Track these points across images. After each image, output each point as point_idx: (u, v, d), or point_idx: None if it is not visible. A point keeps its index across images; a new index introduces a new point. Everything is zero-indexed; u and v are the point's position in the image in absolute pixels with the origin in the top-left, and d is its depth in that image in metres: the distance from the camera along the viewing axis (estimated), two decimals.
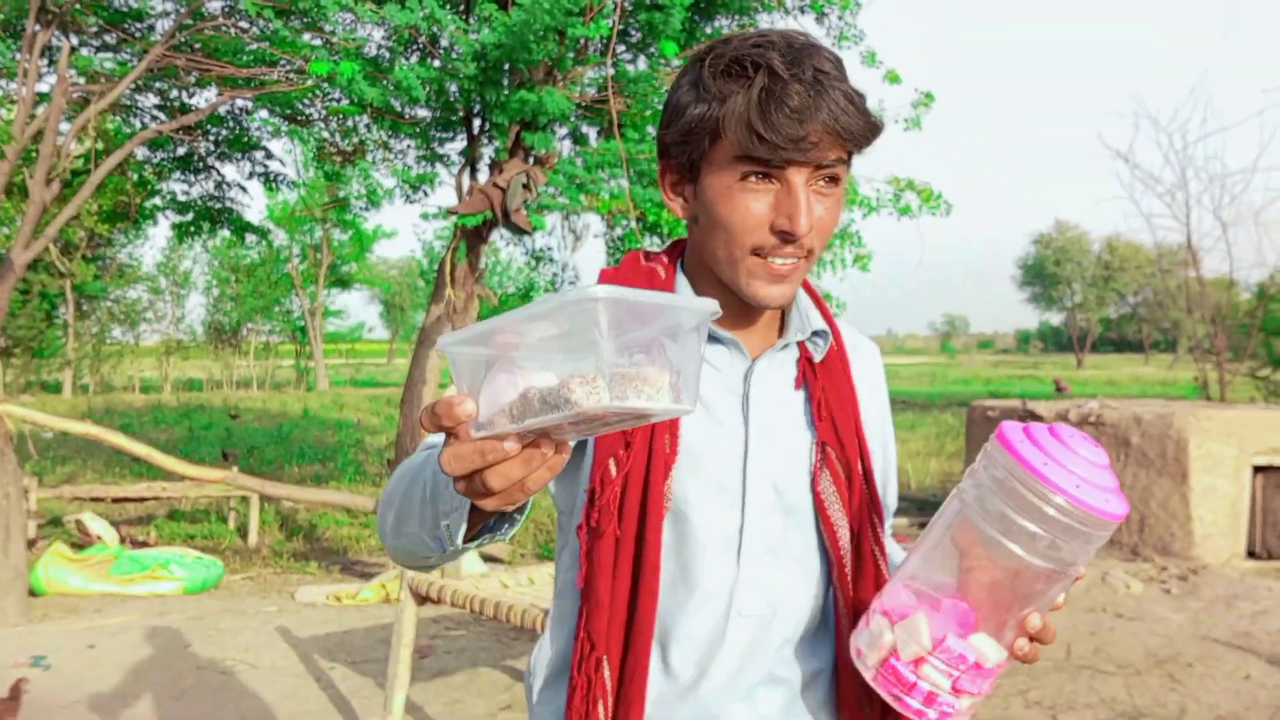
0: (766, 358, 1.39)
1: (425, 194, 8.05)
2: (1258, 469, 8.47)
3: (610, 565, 1.31)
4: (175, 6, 7.88)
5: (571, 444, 0.88)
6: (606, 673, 1.30)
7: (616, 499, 1.31)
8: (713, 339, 1.37)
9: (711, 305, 0.87)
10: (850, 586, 1.37)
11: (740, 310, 1.37)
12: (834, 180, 1.27)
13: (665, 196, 1.38)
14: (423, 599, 4.47)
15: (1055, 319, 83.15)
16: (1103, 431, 8.63)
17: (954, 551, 1.11)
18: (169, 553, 7.95)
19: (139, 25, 8.30)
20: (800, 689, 1.39)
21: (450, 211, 7.04)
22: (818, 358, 1.42)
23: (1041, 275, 73.29)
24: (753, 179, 1.25)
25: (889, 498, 1.55)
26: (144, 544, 8.80)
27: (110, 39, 8.30)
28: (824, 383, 1.40)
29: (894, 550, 1.54)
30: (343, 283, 42.92)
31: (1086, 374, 48.37)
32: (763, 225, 1.26)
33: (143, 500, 10.59)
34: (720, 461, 1.35)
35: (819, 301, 1.49)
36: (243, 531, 9.82)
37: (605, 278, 1.40)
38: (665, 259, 1.44)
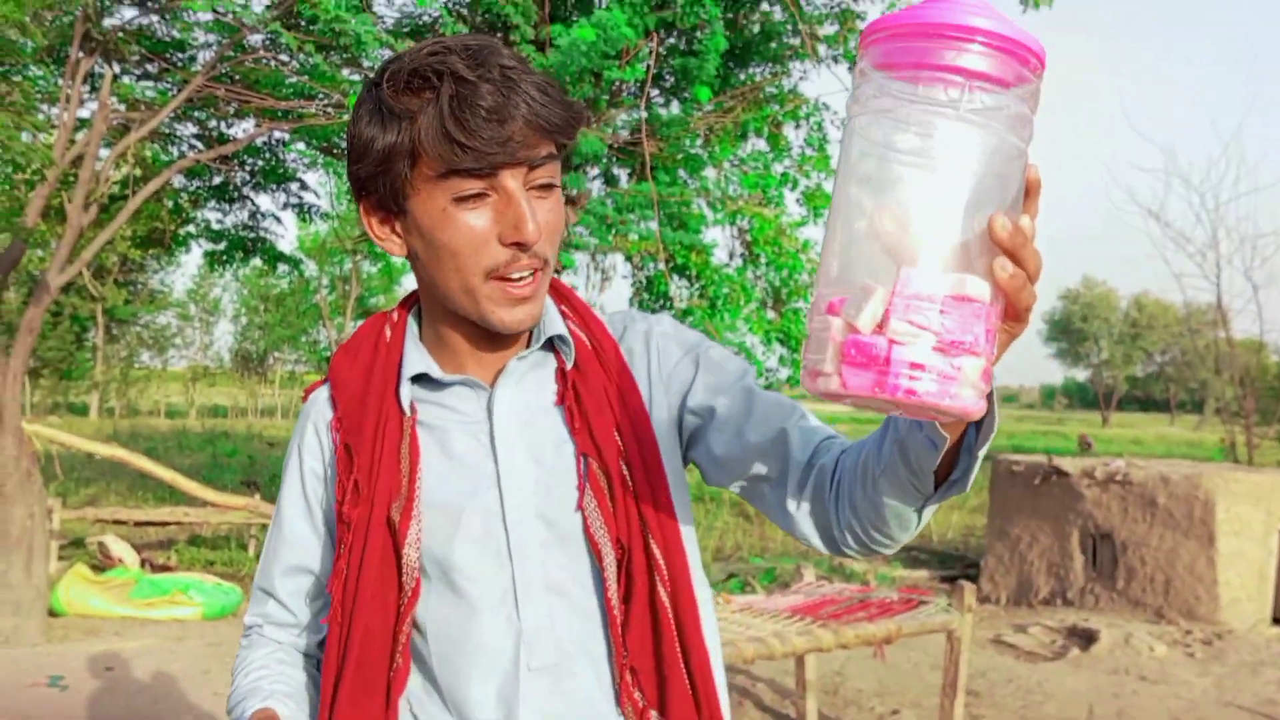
0: (508, 381, 1.27)
1: None
2: None
3: (337, 659, 1.24)
4: (217, 38, 8.01)
5: None
6: None
7: (342, 585, 1.24)
8: (444, 385, 1.28)
9: None
10: (615, 610, 1.23)
11: (480, 343, 1.27)
12: (548, 183, 1.18)
13: (374, 238, 1.25)
14: None
15: (1081, 375, 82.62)
16: (1130, 491, 8.55)
17: (868, 226, 0.83)
18: (189, 578, 7.97)
19: (180, 55, 8.45)
20: None
21: None
22: (569, 364, 1.29)
23: (1068, 331, 72.94)
24: (467, 196, 1.14)
25: (797, 433, 1.23)
26: (165, 568, 8.83)
27: (152, 68, 8.44)
28: (579, 389, 1.27)
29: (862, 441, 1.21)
30: (370, 314, 43.22)
31: (1112, 432, 47.97)
32: (489, 241, 1.16)
33: (164, 525, 10.63)
34: (478, 511, 1.24)
35: (573, 301, 1.37)
36: None
37: (338, 352, 1.36)
38: (397, 312, 1.36)
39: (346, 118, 7.72)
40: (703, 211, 7.73)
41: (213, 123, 9.10)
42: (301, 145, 8.96)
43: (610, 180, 8.01)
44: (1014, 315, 0.86)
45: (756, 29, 7.69)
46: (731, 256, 8.25)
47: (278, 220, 10.32)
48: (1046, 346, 75.46)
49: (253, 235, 10.03)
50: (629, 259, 8.10)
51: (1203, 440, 35.73)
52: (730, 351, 1.37)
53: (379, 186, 1.19)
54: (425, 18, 7.79)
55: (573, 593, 1.25)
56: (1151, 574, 8.28)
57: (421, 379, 1.28)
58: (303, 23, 6.98)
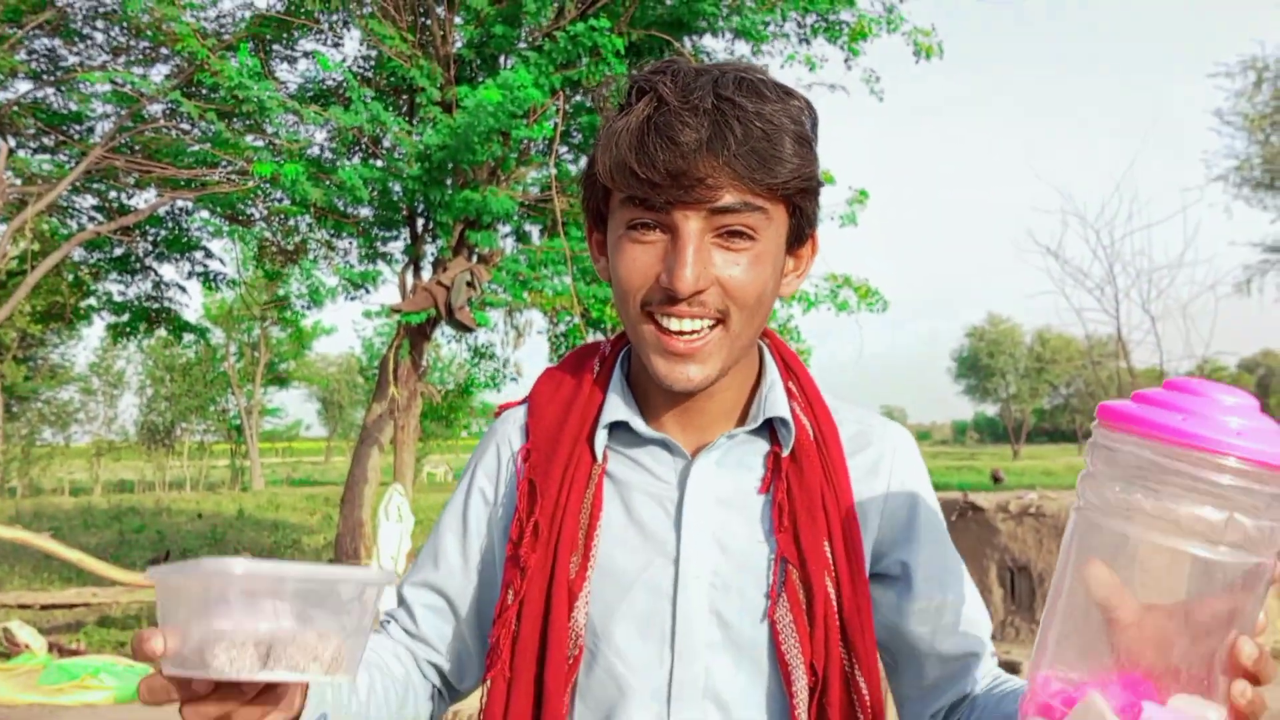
0: (711, 455, 1.13)
1: (367, 291, 8.06)
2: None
3: (500, 715, 1.09)
4: (115, 109, 7.90)
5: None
6: None
7: (510, 635, 1.10)
8: (644, 439, 1.15)
9: (386, 577, 0.81)
10: None
11: (679, 397, 1.13)
12: (745, 234, 1.03)
13: (595, 261, 1.18)
14: None
15: (990, 410, 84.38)
16: (1043, 522, 8.72)
17: (1094, 607, 0.79)
18: (99, 661, 7.68)
19: (78, 127, 8.31)
20: None
21: (394, 309, 7.05)
22: (785, 450, 1.13)
23: (976, 367, 74.47)
24: (640, 226, 1.04)
25: (965, 629, 1.18)
26: (74, 652, 8.52)
27: (49, 140, 8.30)
28: (791, 482, 1.12)
29: (1009, 680, 1.19)
30: (280, 381, 42.47)
31: (1023, 464, 48.94)
32: (648, 279, 1.04)
33: (72, 607, 10.28)
34: (647, 588, 1.10)
35: (803, 379, 1.21)
36: None
37: (544, 375, 1.24)
38: (608, 349, 1.24)
39: (251, 184, 7.69)
40: None
41: (112, 194, 8.96)
42: (205, 213, 8.84)
43: (522, 237, 8.04)
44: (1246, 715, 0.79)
45: None
46: None
47: (182, 290, 10.17)
48: (956, 384, 76.99)
49: (157, 306, 9.85)
50: (545, 314, 8.11)
51: None
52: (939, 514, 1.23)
53: (589, 203, 1.13)
54: (329, 81, 7.78)
55: (731, 707, 1.10)
56: None
57: (620, 427, 1.15)
58: (204, 91, 6.93)
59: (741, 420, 1.16)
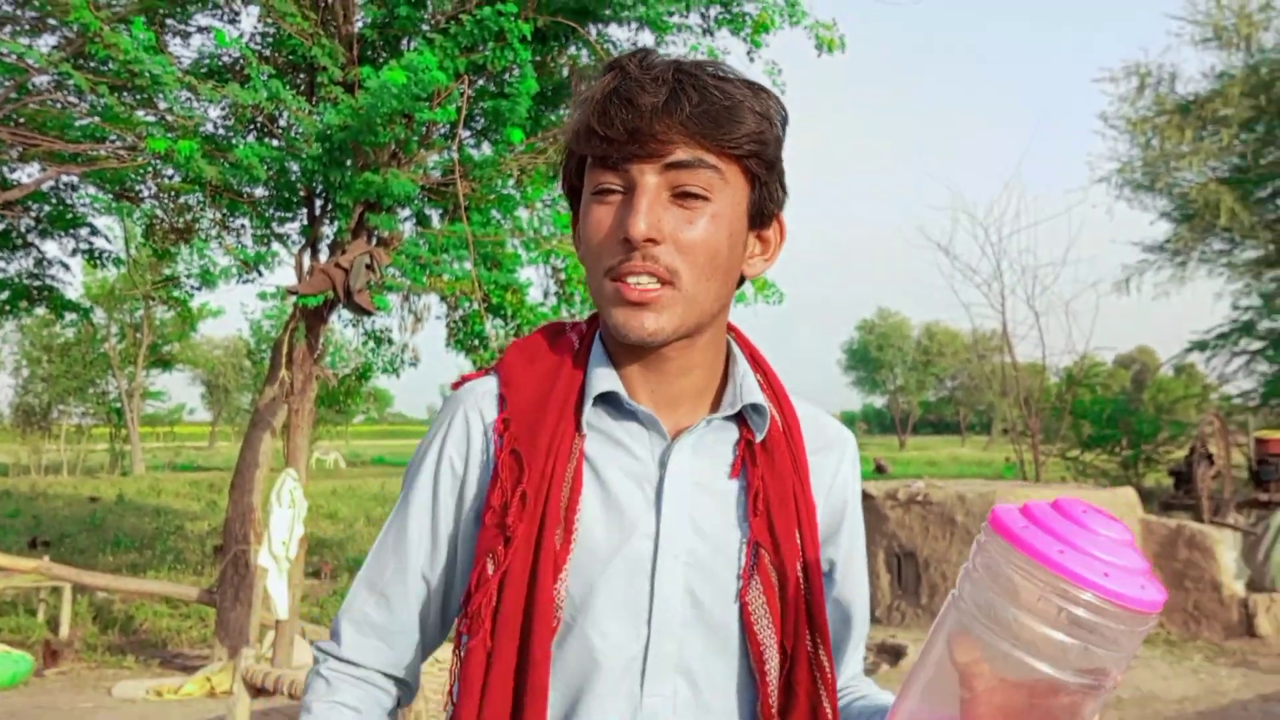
0: (690, 438, 1.17)
1: (260, 273, 7.91)
2: None
3: (478, 688, 1.10)
4: (0, 80, 7.61)
5: None
6: None
7: (491, 605, 1.11)
8: (626, 413, 1.18)
9: None
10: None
11: (653, 373, 1.18)
12: (699, 195, 1.09)
13: (575, 246, 1.23)
14: (257, 691, 4.32)
15: (878, 401, 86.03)
16: (930, 510, 8.96)
17: (955, 675, 0.87)
18: None
19: None
20: None
21: (290, 291, 6.93)
22: (758, 437, 1.18)
23: (865, 360, 75.85)
24: (603, 190, 1.11)
25: (855, 622, 1.32)
26: None
27: None
28: (764, 470, 1.17)
29: (869, 690, 1.32)
30: (164, 363, 41.29)
31: (909, 454, 50.07)
32: (612, 238, 1.10)
33: None
34: (626, 565, 1.13)
35: (768, 373, 1.27)
36: (53, 624, 9.26)
37: (513, 348, 1.26)
38: (584, 326, 1.27)
39: (140, 159, 7.47)
40: (517, 251, 7.75)
41: None
42: (92, 189, 8.57)
43: (423, 221, 7.96)
44: None
45: (565, 72, 7.80)
46: (546, 295, 8.30)
47: (65, 267, 9.82)
48: (846, 375, 78.31)
49: (38, 283, 9.52)
50: (444, 299, 8.05)
51: (992, 459, 37.70)
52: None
53: (567, 185, 1.20)
54: (225, 58, 7.60)
55: (700, 684, 1.14)
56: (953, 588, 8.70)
57: (604, 400, 1.18)
58: (93, 63, 6.71)
59: (715, 406, 1.20)
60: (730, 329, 1.27)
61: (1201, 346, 19.81)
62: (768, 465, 1.17)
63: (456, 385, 1.27)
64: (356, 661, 1.22)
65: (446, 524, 1.21)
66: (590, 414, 1.18)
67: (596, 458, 1.17)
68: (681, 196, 1.09)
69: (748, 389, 1.19)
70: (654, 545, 1.13)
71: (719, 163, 1.09)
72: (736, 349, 1.26)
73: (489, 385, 1.23)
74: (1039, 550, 0.81)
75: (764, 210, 1.17)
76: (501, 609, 1.11)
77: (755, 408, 1.18)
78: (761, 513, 1.15)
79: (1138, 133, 18.82)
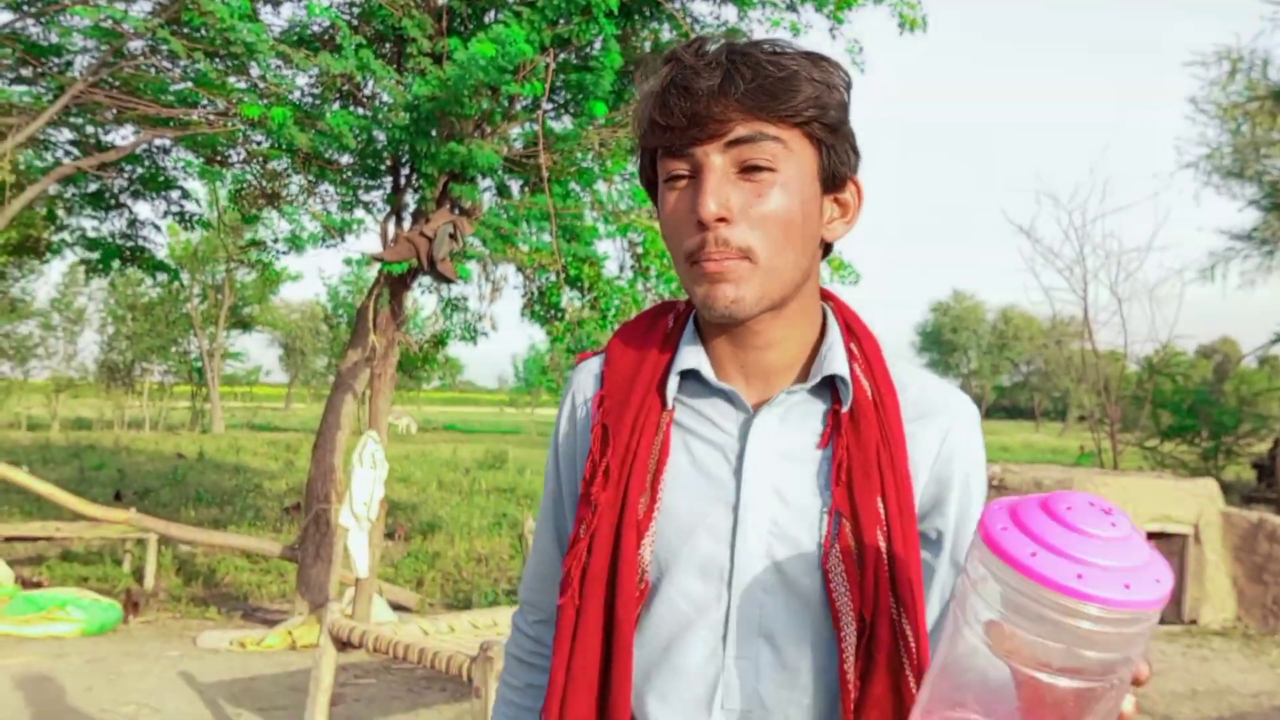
0: (773, 410, 1.20)
1: (344, 239, 8.07)
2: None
3: (568, 641, 1.18)
4: (97, 44, 7.82)
5: None
6: None
7: (580, 565, 1.18)
8: (712, 390, 1.22)
9: None
10: (853, 689, 1.14)
11: (743, 349, 1.22)
12: (765, 166, 1.11)
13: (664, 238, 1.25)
14: (343, 644, 4.45)
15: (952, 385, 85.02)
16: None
17: (961, 676, 0.87)
18: (66, 594, 7.74)
19: (58, 60, 8.21)
20: None
21: (376, 258, 7.07)
22: (843, 408, 1.19)
23: (939, 342, 75.10)
24: (674, 178, 1.14)
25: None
26: (38, 585, 8.55)
27: (27, 72, 8.19)
28: (849, 439, 1.18)
29: None
30: (243, 325, 42.15)
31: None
32: (689, 224, 1.13)
33: (34, 540, 10.29)
34: (708, 532, 1.17)
35: (865, 341, 1.26)
36: (138, 575, 9.58)
37: (621, 329, 1.33)
38: (683, 307, 1.32)
39: (232, 125, 7.65)
40: (595, 224, 7.82)
41: (90, 129, 8.87)
42: (183, 152, 8.79)
43: (504, 192, 8.05)
44: None
45: (648, 46, 7.83)
46: (622, 269, 8.35)
47: (156, 228, 10.08)
48: (919, 357, 77.54)
49: (130, 244, 9.78)
50: (521, 270, 8.15)
51: (1066, 446, 37.14)
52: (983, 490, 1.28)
53: (645, 178, 1.24)
54: (316, 26, 7.73)
55: (785, 648, 1.17)
56: None
57: (690, 378, 1.24)
58: (188, 29, 6.87)
59: (803, 379, 1.22)
60: (828, 297, 1.30)
61: None
62: (853, 435, 1.18)
63: (575, 364, 1.37)
64: (530, 635, 1.42)
65: (570, 494, 1.32)
66: (676, 390, 1.23)
67: (682, 430, 1.22)
68: (748, 171, 1.11)
69: (833, 360, 1.20)
70: (734, 514, 1.17)
71: (780, 133, 1.11)
72: (831, 318, 1.27)
73: (594, 364, 1.33)
74: (1010, 554, 0.80)
75: (836, 174, 1.18)
76: (589, 570, 1.17)
77: (840, 379, 1.20)
78: (844, 482, 1.16)
79: (1228, 118, 18.35)
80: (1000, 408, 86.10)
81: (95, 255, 9.80)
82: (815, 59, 1.14)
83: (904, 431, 1.21)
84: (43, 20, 7.83)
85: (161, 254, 11.01)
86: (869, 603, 1.14)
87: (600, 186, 8.04)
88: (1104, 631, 0.78)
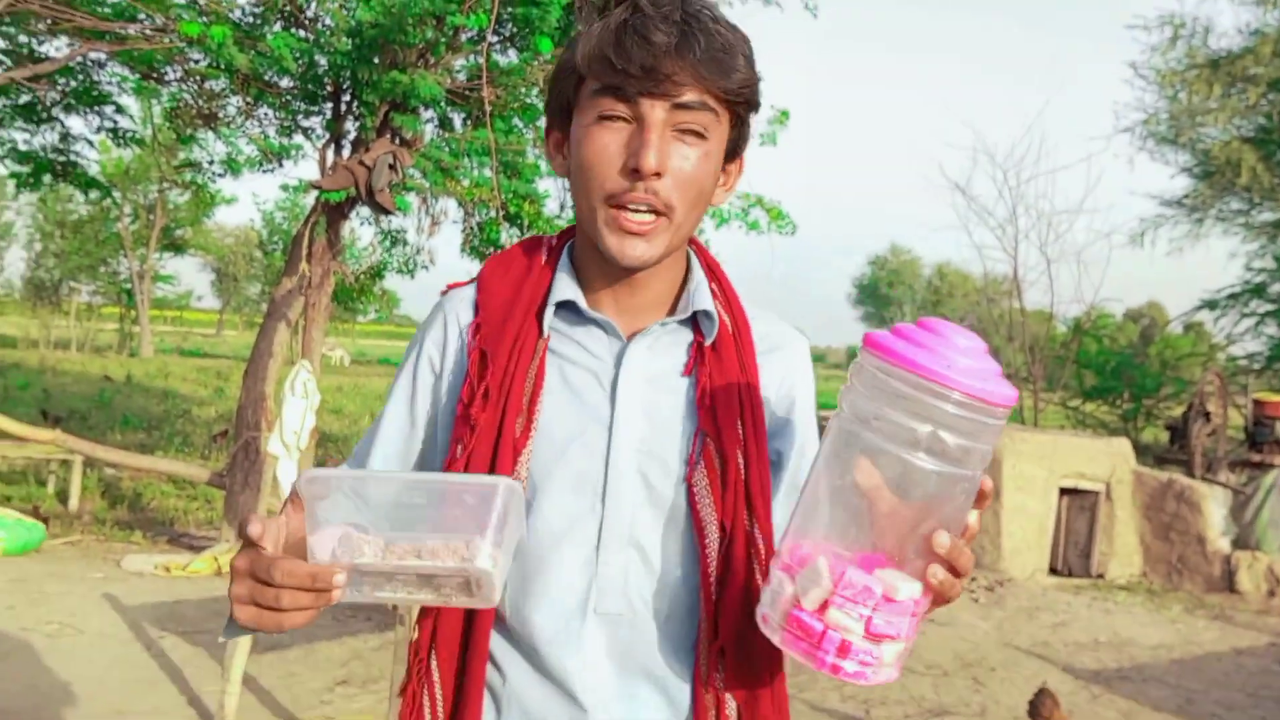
0: (645, 340, 1.30)
1: (281, 165, 7.96)
2: (1064, 491, 9.07)
3: None
4: None
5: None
6: (437, 676, 1.26)
7: None
8: (586, 319, 1.31)
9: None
10: (713, 591, 1.25)
11: (618, 285, 1.31)
12: (698, 132, 1.20)
13: (550, 158, 1.34)
14: None
15: None
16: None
17: (843, 489, 1.02)
18: None
19: None
20: (678, 687, 1.28)
21: (314, 185, 6.99)
22: (708, 340, 1.31)
23: (875, 295, 75.80)
24: (609, 117, 1.19)
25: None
26: None
27: None
28: (712, 368, 1.30)
29: None
30: (176, 247, 41.27)
31: None
32: (614, 165, 1.19)
33: None
34: (583, 450, 1.27)
35: (723, 281, 1.39)
36: (63, 496, 9.48)
37: (491, 260, 1.39)
38: (554, 241, 1.40)
39: (170, 42, 7.48)
40: (536, 162, 7.79)
41: (22, 39, 8.63)
42: (120, 68, 8.59)
43: (445, 125, 7.98)
44: (942, 601, 1.06)
45: None
46: (562, 208, 8.34)
47: (90, 144, 9.87)
48: (854, 309, 78.27)
49: (62, 158, 9.58)
50: (461, 205, 8.10)
51: None
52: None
53: (555, 102, 1.28)
54: None
55: (652, 556, 1.27)
56: None
57: (566, 308, 1.31)
58: None
59: (671, 312, 1.34)
60: (691, 242, 1.40)
61: (1211, 305, 19.78)
62: (716, 365, 1.30)
63: (444, 292, 1.42)
64: None
65: (424, 413, 1.37)
66: (552, 318, 1.31)
67: (557, 357, 1.31)
68: (682, 133, 1.20)
69: (699, 297, 1.32)
70: (608, 433, 1.27)
71: (717, 106, 1.21)
72: (695, 260, 1.38)
73: (468, 292, 1.38)
74: (906, 357, 0.96)
75: (736, 148, 1.30)
76: None
77: (705, 314, 1.31)
78: (708, 406, 1.27)
79: (1166, 85, 18.62)
80: None
81: (25, 169, 9.58)
82: (741, 35, 1.23)
83: (757, 362, 1.35)
84: None
85: (94, 170, 10.79)
86: (729, 514, 1.25)
87: (543, 123, 8.00)
88: (963, 416, 0.95)
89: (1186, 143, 19.02)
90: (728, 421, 1.28)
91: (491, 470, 1.24)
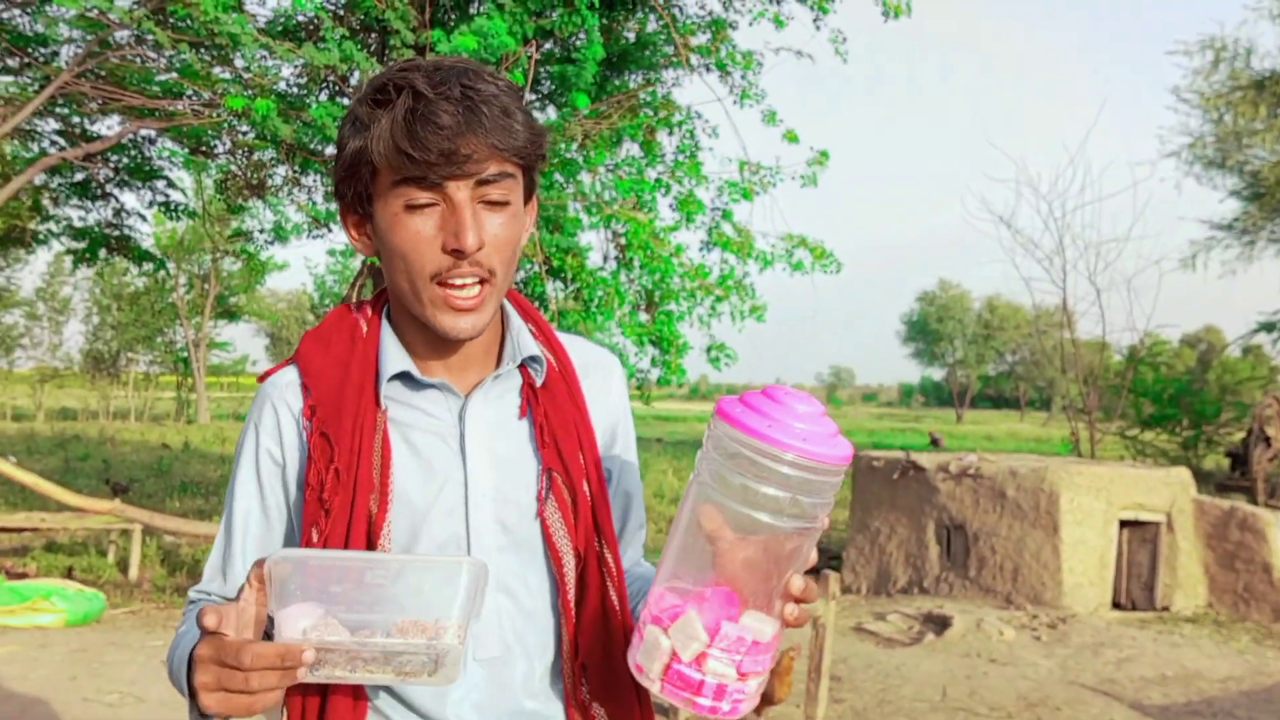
0: (481, 393, 1.34)
1: (329, 229, 8.11)
2: (1124, 523, 8.92)
3: None
4: (82, 34, 7.85)
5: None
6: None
7: None
8: (422, 385, 1.34)
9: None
10: (573, 612, 1.33)
11: (447, 348, 1.34)
12: (502, 200, 1.24)
13: (351, 239, 1.35)
14: None
15: (937, 374, 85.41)
16: (981, 484, 9.00)
17: (704, 539, 1.10)
18: (50, 584, 7.77)
19: (43, 50, 8.24)
20: (555, 710, 1.36)
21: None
22: (538, 382, 1.37)
23: (925, 331, 75.28)
24: (416, 205, 1.21)
25: (632, 513, 1.52)
26: (22, 575, 8.58)
27: (13, 62, 8.22)
28: (546, 407, 1.36)
29: (646, 569, 1.52)
30: (230, 314, 42.06)
31: (966, 428, 49.72)
32: (433, 247, 1.22)
33: (19, 531, 10.30)
34: (443, 513, 1.31)
35: (538, 321, 1.45)
36: (123, 565, 9.61)
37: (307, 339, 1.39)
38: (370, 310, 1.41)
39: (217, 116, 7.68)
40: (578, 215, 7.87)
41: (75, 119, 8.90)
42: (168, 143, 8.82)
43: None
44: (794, 626, 1.15)
45: (632, 38, 7.88)
46: (606, 260, 8.40)
47: (142, 218, 10.13)
48: (905, 347, 77.76)
49: (116, 233, 9.82)
50: None
51: (1050, 435, 37.33)
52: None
53: (349, 190, 1.29)
54: (300, 17, 7.76)
55: (519, 594, 1.34)
56: (1001, 562, 8.74)
57: (400, 378, 1.34)
58: (174, 20, 6.91)
59: (497, 361, 1.38)
60: None
61: (1269, 328, 19.46)
62: (550, 402, 1.37)
63: (262, 379, 1.41)
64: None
65: (275, 507, 1.37)
66: (388, 390, 1.33)
67: (400, 426, 1.33)
68: (489, 203, 1.24)
69: (523, 343, 1.37)
70: (464, 489, 1.32)
71: (514, 170, 1.25)
72: (510, 307, 1.42)
73: (290, 376, 1.38)
74: (752, 427, 1.04)
75: (530, 191, 1.34)
76: None
77: (533, 358, 1.37)
78: (549, 443, 1.34)
79: (1210, 108, 18.46)
80: (986, 397, 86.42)
81: (81, 244, 9.85)
82: (513, 87, 1.27)
83: (582, 389, 1.42)
84: (28, 10, 7.86)
85: (147, 243, 11.04)
86: (581, 540, 1.34)
87: (584, 177, 8.09)
88: (822, 480, 1.05)
89: (1234, 165, 18.83)
90: (570, 454, 1.35)
91: (346, 547, 1.26)
